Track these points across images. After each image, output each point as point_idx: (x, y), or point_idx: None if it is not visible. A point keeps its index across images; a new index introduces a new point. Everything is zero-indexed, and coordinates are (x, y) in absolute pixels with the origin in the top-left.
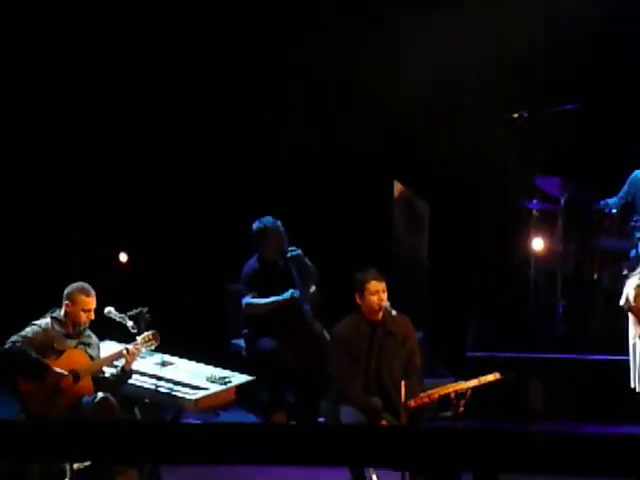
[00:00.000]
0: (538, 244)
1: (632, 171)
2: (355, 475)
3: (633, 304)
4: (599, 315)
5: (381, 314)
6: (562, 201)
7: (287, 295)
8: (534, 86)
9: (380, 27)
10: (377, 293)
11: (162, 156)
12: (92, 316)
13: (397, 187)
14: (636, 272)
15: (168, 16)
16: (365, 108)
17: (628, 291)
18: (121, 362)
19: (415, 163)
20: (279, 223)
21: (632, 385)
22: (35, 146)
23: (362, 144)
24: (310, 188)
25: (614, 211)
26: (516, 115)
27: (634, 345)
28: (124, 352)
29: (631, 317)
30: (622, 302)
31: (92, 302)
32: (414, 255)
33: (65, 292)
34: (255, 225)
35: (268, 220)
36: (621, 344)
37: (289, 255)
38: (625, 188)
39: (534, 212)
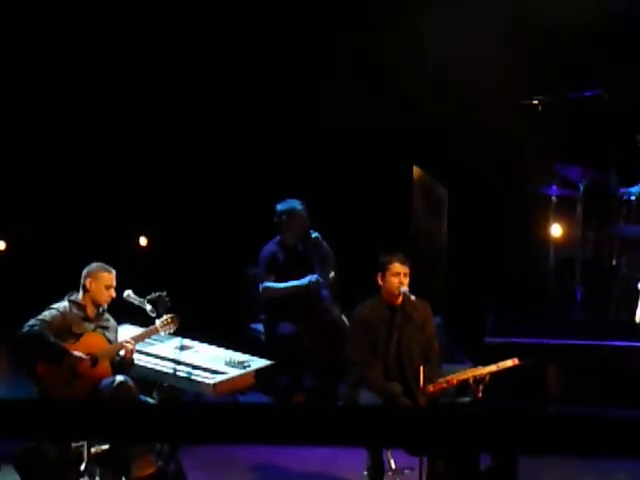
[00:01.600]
0: (557, 230)
1: None
2: (373, 458)
3: None
4: (617, 301)
5: (400, 299)
6: (581, 187)
7: (305, 281)
8: (554, 71)
9: (398, 11)
10: (398, 276)
11: (182, 140)
12: (113, 294)
13: (416, 172)
14: None
15: None
16: (385, 93)
17: None
18: (143, 346)
19: (434, 149)
20: (303, 207)
21: None
22: (57, 130)
23: (382, 129)
24: (331, 173)
25: (633, 198)
26: (536, 101)
27: None
28: (152, 329)
29: None
30: None
31: (113, 279)
32: (433, 240)
33: (84, 271)
34: (280, 207)
35: (294, 203)
36: (638, 330)
37: (311, 239)
38: None
39: (553, 198)
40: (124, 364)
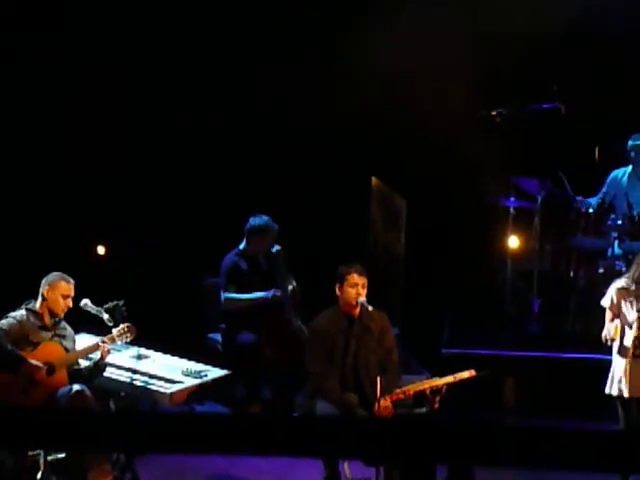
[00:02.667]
0: (514, 242)
1: (610, 171)
2: (329, 468)
3: (609, 305)
4: (574, 313)
5: (358, 309)
6: (539, 199)
7: (269, 294)
8: (512, 84)
9: (352, 28)
10: (356, 286)
11: (140, 149)
12: (70, 304)
13: (374, 183)
14: (626, 275)
15: None
16: (343, 103)
17: (612, 291)
18: (96, 355)
19: (392, 160)
20: (274, 223)
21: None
22: (10, 137)
23: (340, 141)
24: (289, 184)
25: (591, 210)
26: (494, 112)
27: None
28: (99, 344)
29: (608, 316)
30: (605, 303)
31: (71, 289)
32: (391, 251)
33: (44, 280)
34: (253, 221)
35: (267, 219)
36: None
37: (273, 252)
38: (603, 189)
39: (511, 210)
40: (97, 368)
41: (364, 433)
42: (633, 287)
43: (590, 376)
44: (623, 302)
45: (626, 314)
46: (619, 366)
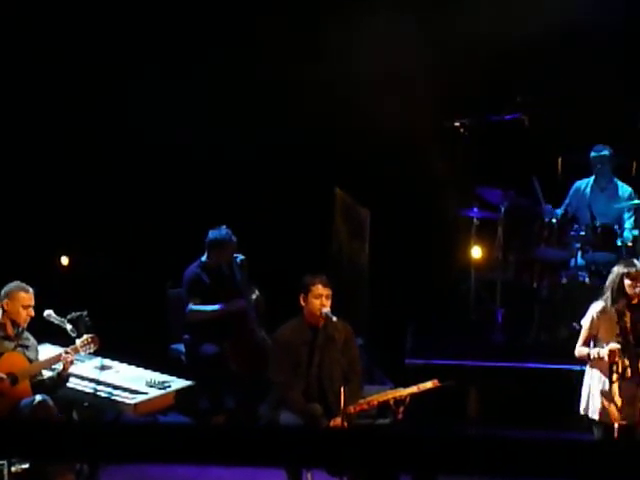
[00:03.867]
0: (477, 252)
1: (573, 182)
2: (292, 478)
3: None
4: (538, 323)
5: (322, 320)
6: (502, 210)
7: (233, 305)
8: (476, 95)
9: (315, 35)
10: (321, 297)
11: (104, 160)
12: (32, 313)
13: (338, 194)
14: (602, 297)
15: None
16: (307, 115)
17: (593, 313)
18: (59, 365)
19: (356, 171)
20: (233, 235)
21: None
22: None
23: (303, 152)
24: (252, 196)
25: (554, 221)
26: (457, 123)
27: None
28: (63, 355)
29: (581, 333)
30: (585, 323)
31: (31, 299)
32: (355, 262)
33: (2, 292)
34: (212, 234)
35: (225, 232)
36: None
37: (236, 262)
38: (567, 200)
39: (474, 220)
40: (60, 379)
41: (327, 443)
42: (612, 311)
43: (553, 386)
44: (603, 325)
45: (605, 338)
46: (598, 389)
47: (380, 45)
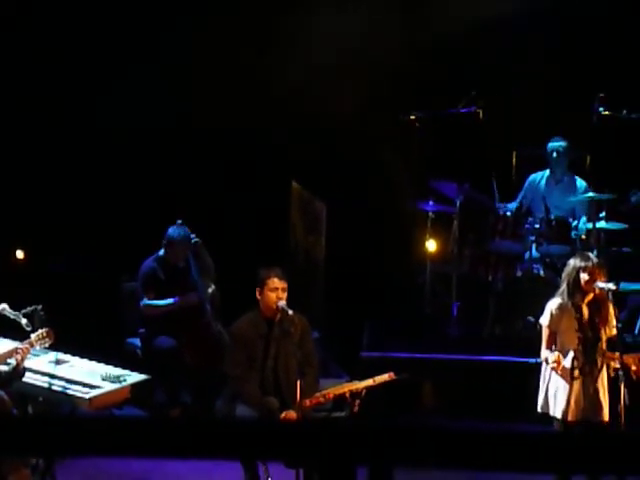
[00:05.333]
0: (433, 246)
1: (527, 175)
2: (249, 472)
3: (548, 323)
4: (493, 316)
5: (278, 313)
6: (457, 203)
7: (187, 299)
8: (431, 88)
9: (267, 27)
10: (277, 290)
11: (58, 151)
12: None
13: (294, 188)
14: (559, 292)
15: None
16: (262, 108)
17: (551, 310)
18: (14, 360)
19: (312, 164)
20: (189, 234)
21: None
22: None
23: (259, 145)
24: (208, 189)
25: (509, 214)
26: (413, 117)
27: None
28: (18, 350)
29: (544, 336)
30: (544, 321)
31: None
32: (311, 255)
33: None
34: (171, 231)
35: (182, 231)
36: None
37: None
38: (522, 193)
39: (430, 214)
40: (15, 373)
41: (283, 436)
42: (570, 305)
43: (508, 378)
44: (562, 321)
45: (565, 333)
46: (558, 387)
47: (335, 38)
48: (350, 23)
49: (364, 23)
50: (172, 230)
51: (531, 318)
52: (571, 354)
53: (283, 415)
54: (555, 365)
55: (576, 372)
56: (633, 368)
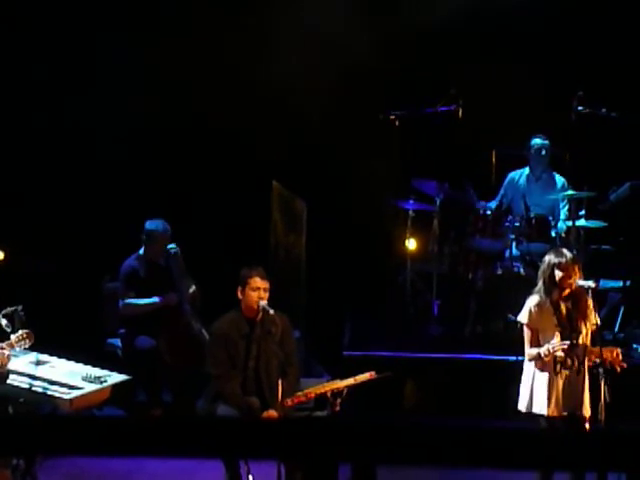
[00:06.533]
0: (413, 244)
1: (507, 174)
2: (230, 470)
3: (527, 321)
4: (474, 315)
5: (260, 313)
6: (437, 202)
7: (167, 298)
8: (410, 87)
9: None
10: (258, 290)
11: (40, 150)
12: None
13: (275, 187)
14: (536, 290)
15: None
16: (244, 108)
17: (530, 307)
18: None
19: (293, 163)
20: (167, 226)
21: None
22: None
23: (240, 144)
24: (189, 188)
25: (489, 212)
26: (392, 116)
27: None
28: (6, 344)
29: (526, 335)
30: (523, 319)
31: None
32: (292, 254)
33: None
34: (148, 225)
35: (160, 223)
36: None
37: (170, 253)
38: (501, 191)
39: (410, 212)
40: None
41: (264, 434)
42: (548, 302)
43: (490, 377)
44: (542, 318)
45: (545, 330)
46: (542, 383)
47: (314, 37)
48: (330, 23)
49: (343, 23)
50: (149, 223)
51: (512, 316)
52: (557, 337)
53: (264, 414)
54: (548, 353)
55: (558, 366)
56: (609, 359)
